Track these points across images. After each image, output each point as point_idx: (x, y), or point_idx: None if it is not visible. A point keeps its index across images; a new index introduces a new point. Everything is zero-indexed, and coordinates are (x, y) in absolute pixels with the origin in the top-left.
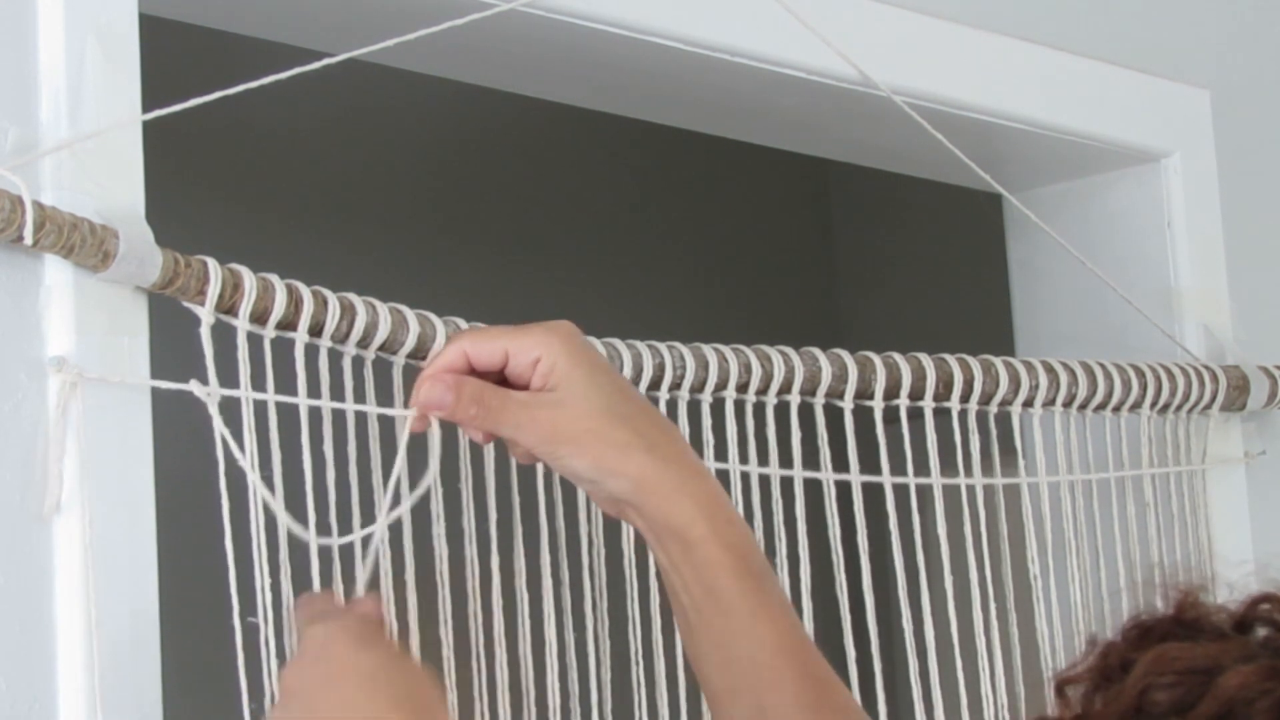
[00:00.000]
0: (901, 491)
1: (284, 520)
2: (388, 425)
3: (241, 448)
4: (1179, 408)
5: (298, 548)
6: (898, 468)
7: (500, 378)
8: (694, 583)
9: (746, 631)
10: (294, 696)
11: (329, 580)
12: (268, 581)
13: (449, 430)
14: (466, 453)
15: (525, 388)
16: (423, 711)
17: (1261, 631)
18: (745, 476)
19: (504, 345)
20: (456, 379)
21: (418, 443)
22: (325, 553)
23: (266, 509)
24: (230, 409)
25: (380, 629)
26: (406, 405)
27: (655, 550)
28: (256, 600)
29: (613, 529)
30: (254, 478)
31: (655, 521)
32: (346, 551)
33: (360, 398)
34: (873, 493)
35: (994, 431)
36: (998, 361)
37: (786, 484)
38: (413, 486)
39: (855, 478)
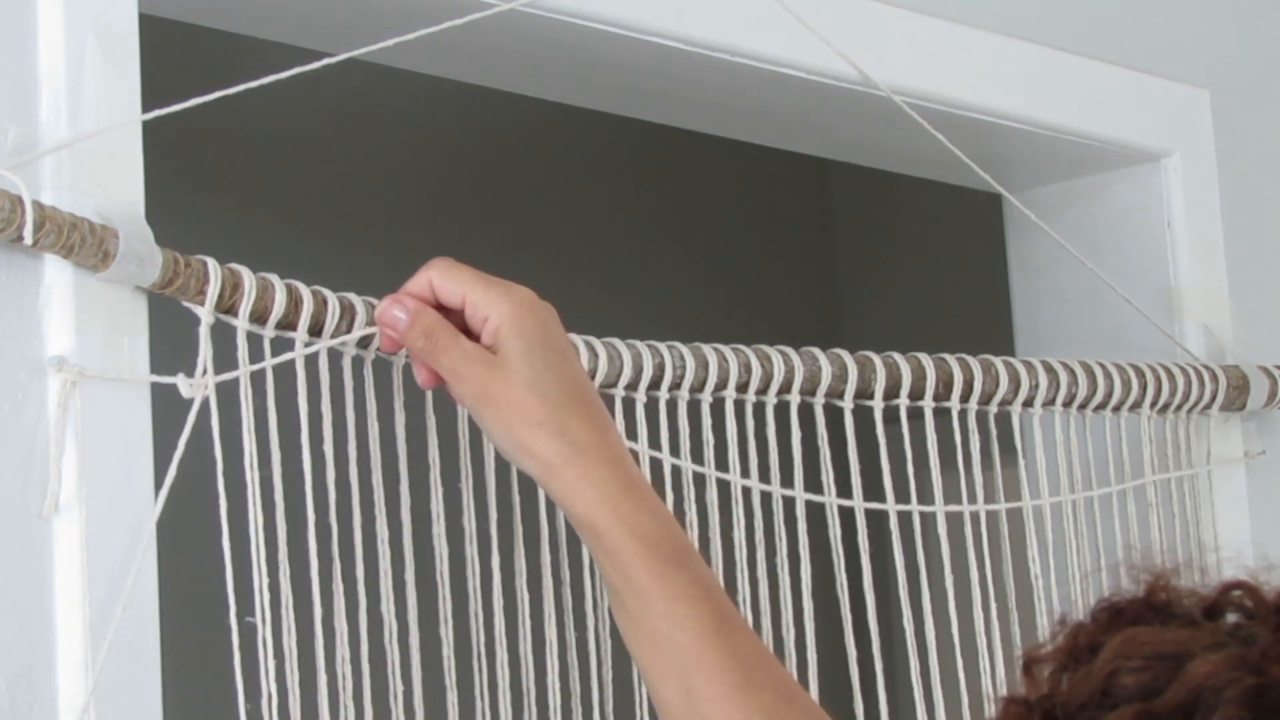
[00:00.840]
0: (902, 491)
1: None
2: (388, 425)
3: (240, 447)
4: (1179, 408)
5: (297, 548)
6: (898, 467)
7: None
8: (610, 569)
9: (664, 614)
10: None
11: (328, 579)
12: (265, 581)
13: (449, 431)
14: (466, 452)
15: (478, 336)
16: None
17: (1232, 618)
18: (745, 476)
19: (464, 292)
20: (419, 306)
21: (418, 441)
22: (325, 553)
23: (265, 510)
24: (229, 408)
25: None
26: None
27: (579, 535)
28: (254, 600)
29: None
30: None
31: (564, 507)
32: (346, 552)
33: (360, 397)
34: (873, 493)
35: (994, 431)
36: (998, 361)
37: (786, 484)
38: (413, 488)
39: (859, 504)
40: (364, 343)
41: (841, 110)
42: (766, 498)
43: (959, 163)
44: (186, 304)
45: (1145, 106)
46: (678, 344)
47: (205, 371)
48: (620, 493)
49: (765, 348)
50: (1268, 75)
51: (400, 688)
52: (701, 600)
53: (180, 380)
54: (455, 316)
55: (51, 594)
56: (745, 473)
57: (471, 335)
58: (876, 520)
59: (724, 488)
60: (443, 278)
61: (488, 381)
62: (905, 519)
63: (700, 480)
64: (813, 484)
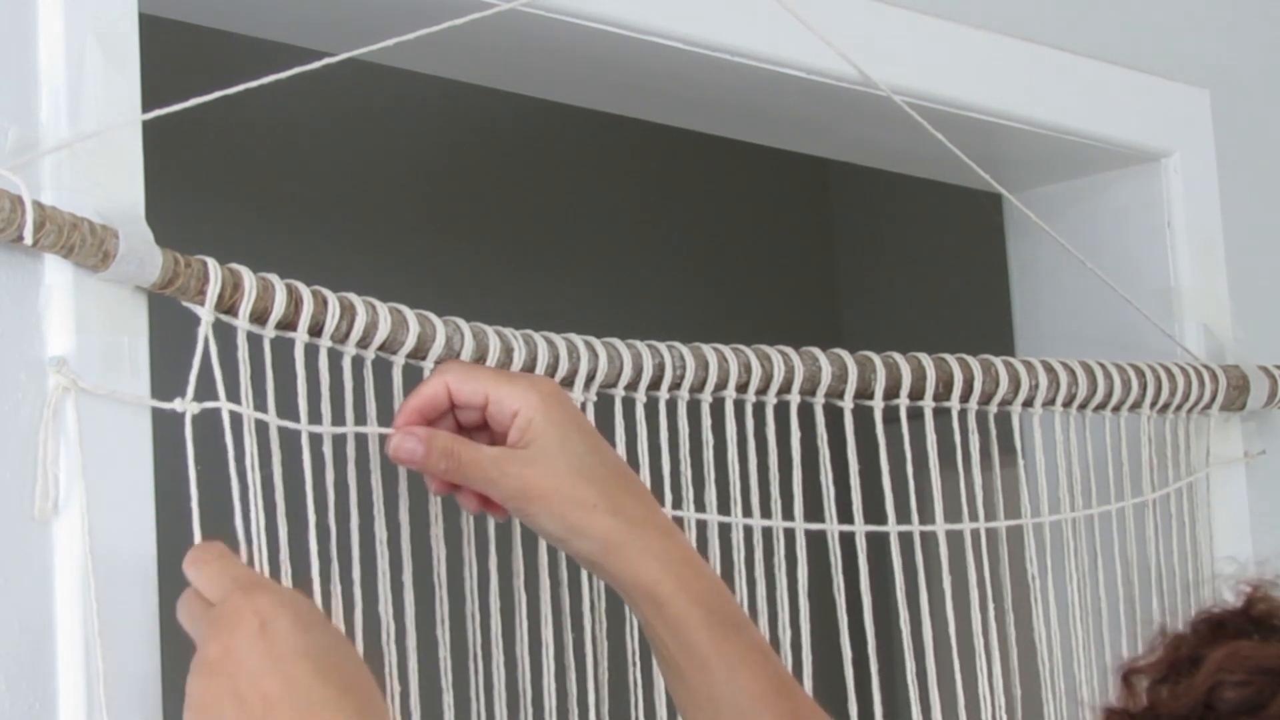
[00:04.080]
0: (901, 492)
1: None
2: (387, 425)
3: (242, 451)
4: (1179, 407)
5: (297, 549)
6: (897, 467)
7: (482, 416)
8: (669, 639)
9: (726, 682)
10: (228, 671)
11: (327, 580)
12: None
13: None
14: None
15: (504, 432)
16: (369, 699)
17: None
18: (745, 479)
19: (486, 390)
20: (429, 433)
21: None
22: (324, 553)
23: (265, 510)
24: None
25: (317, 608)
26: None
27: (631, 609)
28: None
29: None
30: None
31: (623, 582)
32: (344, 551)
33: (360, 398)
34: (872, 492)
35: (994, 431)
36: (998, 361)
37: (786, 484)
38: (412, 488)
39: (859, 528)
40: (364, 342)
41: (841, 110)
42: (766, 497)
43: (959, 163)
44: (187, 304)
45: (1145, 106)
46: (678, 344)
47: (211, 372)
48: (679, 562)
49: (765, 348)
50: (1268, 75)
51: (397, 688)
52: (761, 665)
53: (178, 404)
54: (448, 417)
55: (51, 594)
56: (745, 473)
57: (491, 431)
58: (875, 522)
59: (724, 487)
60: (459, 379)
61: (528, 477)
62: (904, 520)
63: (700, 480)
64: (812, 484)
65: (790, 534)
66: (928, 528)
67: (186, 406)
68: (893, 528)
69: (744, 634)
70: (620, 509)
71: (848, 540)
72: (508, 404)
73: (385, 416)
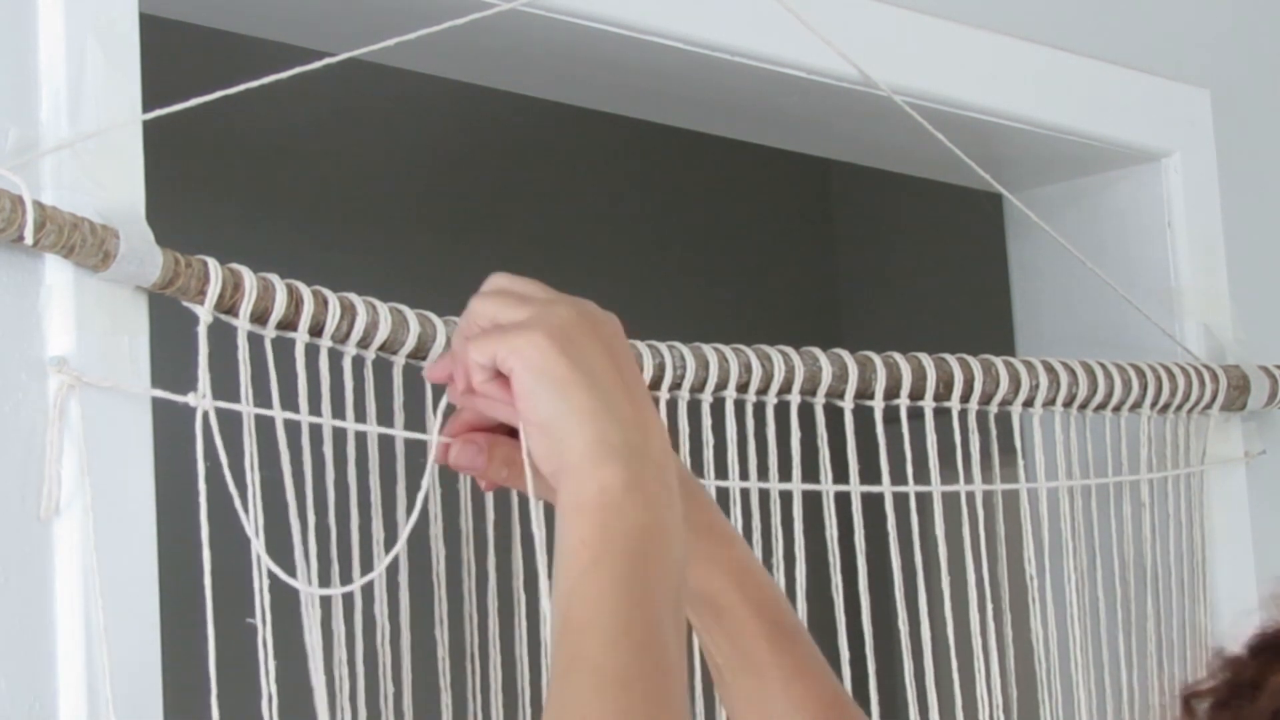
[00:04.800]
0: (900, 494)
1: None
2: (387, 425)
3: (242, 451)
4: (1179, 407)
5: (296, 548)
6: (897, 468)
7: None
8: (727, 647)
9: (781, 693)
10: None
11: (326, 581)
12: (266, 583)
13: None
14: None
15: None
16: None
17: None
18: (744, 478)
19: None
20: (489, 439)
21: (416, 441)
22: (323, 554)
23: (264, 509)
24: (231, 410)
25: None
26: (435, 440)
27: (688, 614)
28: (255, 601)
29: None
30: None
31: (687, 590)
32: (343, 553)
33: (360, 398)
34: (871, 494)
35: (994, 431)
36: (998, 361)
37: (785, 484)
38: (410, 489)
39: (855, 488)
40: (364, 342)
41: (842, 110)
42: (765, 498)
43: (959, 162)
44: (187, 304)
45: (1145, 106)
46: (678, 344)
47: (205, 372)
48: (742, 570)
49: (765, 348)
50: (1268, 75)
51: (392, 689)
52: (817, 676)
53: (191, 398)
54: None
55: (52, 593)
56: (745, 473)
57: None
58: (874, 522)
59: (723, 488)
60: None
61: None
62: (903, 521)
63: (700, 479)
64: (812, 484)
65: (789, 533)
66: (923, 488)
67: (199, 402)
68: (887, 489)
69: (801, 644)
70: (687, 518)
71: (847, 540)
72: None
73: (385, 416)
